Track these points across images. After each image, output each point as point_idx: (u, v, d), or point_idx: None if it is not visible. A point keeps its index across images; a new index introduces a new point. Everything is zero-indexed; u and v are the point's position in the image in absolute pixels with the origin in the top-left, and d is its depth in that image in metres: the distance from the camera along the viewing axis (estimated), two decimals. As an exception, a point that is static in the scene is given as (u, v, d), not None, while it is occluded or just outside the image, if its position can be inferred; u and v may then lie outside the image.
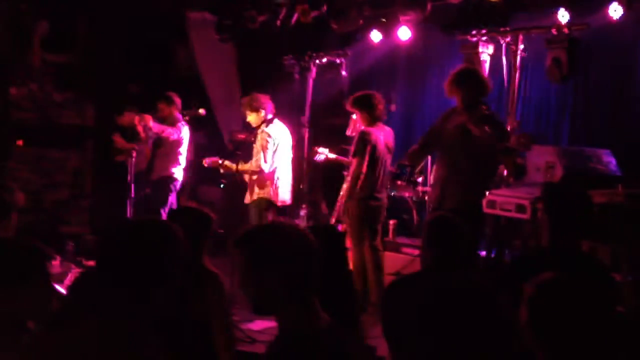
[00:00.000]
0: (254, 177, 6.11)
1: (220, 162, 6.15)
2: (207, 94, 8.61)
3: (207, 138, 8.50)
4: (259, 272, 2.03)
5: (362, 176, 5.56)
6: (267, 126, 6.10)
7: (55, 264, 6.10)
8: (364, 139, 5.58)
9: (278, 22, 7.42)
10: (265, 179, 6.08)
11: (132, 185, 6.38)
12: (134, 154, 6.47)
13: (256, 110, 6.10)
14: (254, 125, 6.19)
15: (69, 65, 8.52)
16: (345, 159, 6.10)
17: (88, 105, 8.64)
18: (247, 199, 6.21)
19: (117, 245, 2.06)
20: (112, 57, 8.58)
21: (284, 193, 6.21)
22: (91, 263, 6.95)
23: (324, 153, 6.30)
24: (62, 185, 8.51)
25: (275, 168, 6.08)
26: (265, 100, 6.16)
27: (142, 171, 6.81)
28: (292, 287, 2.03)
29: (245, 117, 6.31)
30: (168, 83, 8.02)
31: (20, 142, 8.26)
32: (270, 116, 6.12)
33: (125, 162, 6.56)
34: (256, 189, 6.12)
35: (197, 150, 7.67)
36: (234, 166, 6.12)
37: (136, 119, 6.52)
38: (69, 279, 6.06)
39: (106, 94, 8.41)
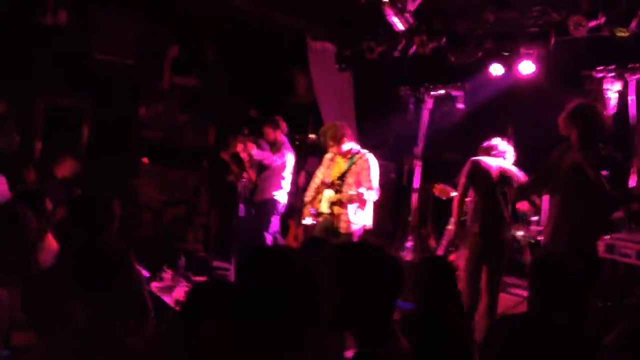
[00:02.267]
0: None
1: None
2: (323, 121, 8.75)
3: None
4: (343, 289, 2.07)
5: (473, 205, 5.33)
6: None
7: (167, 276, 6.36)
8: (473, 167, 5.39)
9: (396, 53, 7.40)
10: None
11: (241, 206, 6.57)
12: (244, 176, 6.67)
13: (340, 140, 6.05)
14: (337, 154, 6.11)
15: (194, 87, 8.94)
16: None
17: (209, 127, 9.01)
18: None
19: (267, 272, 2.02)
20: (235, 82, 8.92)
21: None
22: (200, 278, 7.18)
23: (448, 192, 6.03)
24: (180, 203, 8.89)
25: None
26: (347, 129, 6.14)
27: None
28: (373, 307, 2.08)
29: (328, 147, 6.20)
30: (287, 108, 8.20)
31: (145, 160, 8.72)
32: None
33: (235, 184, 6.76)
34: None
35: (308, 176, 7.76)
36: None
37: (239, 146, 6.72)
38: (177, 291, 6.32)
39: (227, 118, 8.74)
